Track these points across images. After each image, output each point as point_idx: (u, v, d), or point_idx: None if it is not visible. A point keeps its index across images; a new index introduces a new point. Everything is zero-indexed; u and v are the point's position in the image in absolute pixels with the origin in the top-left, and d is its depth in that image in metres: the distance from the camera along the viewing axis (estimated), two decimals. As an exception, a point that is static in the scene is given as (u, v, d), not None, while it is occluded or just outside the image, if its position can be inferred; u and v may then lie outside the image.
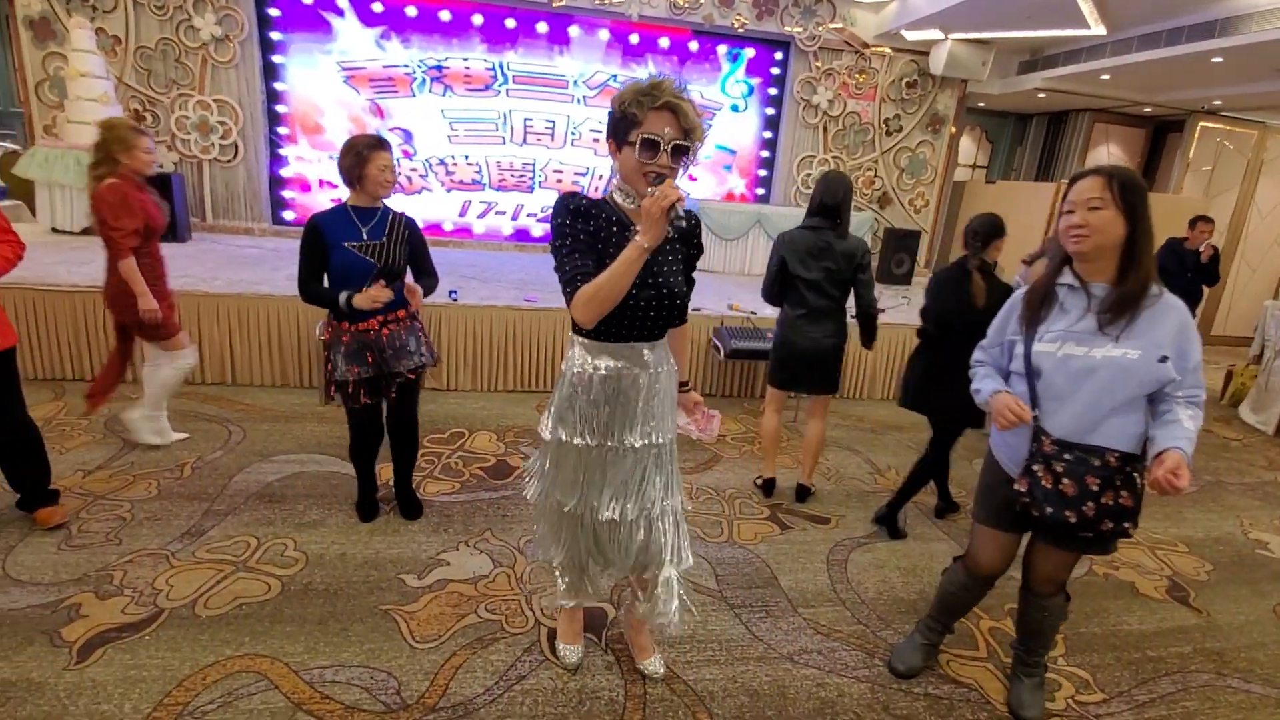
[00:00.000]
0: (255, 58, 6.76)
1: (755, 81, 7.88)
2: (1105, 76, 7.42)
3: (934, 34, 7.20)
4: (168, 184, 5.85)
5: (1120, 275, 1.67)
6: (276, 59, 6.89)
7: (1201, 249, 5.44)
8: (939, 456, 3.06)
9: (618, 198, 1.65)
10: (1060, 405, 1.71)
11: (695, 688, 2.07)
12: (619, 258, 1.48)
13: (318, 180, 7.26)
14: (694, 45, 7.60)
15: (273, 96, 6.97)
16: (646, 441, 1.78)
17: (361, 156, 2.47)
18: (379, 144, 2.51)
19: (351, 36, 6.93)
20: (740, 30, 7.34)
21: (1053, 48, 7.52)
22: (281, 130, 7.08)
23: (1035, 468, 1.73)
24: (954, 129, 8.31)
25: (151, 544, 2.58)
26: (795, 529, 3.11)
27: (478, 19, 7.07)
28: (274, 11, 6.77)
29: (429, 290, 2.73)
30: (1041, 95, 8.25)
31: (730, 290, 5.88)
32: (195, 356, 3.44)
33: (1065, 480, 1.68)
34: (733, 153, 8.02)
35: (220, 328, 4.25)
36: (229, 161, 6.91)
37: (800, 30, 7.44)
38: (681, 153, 1.55)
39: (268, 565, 2.51)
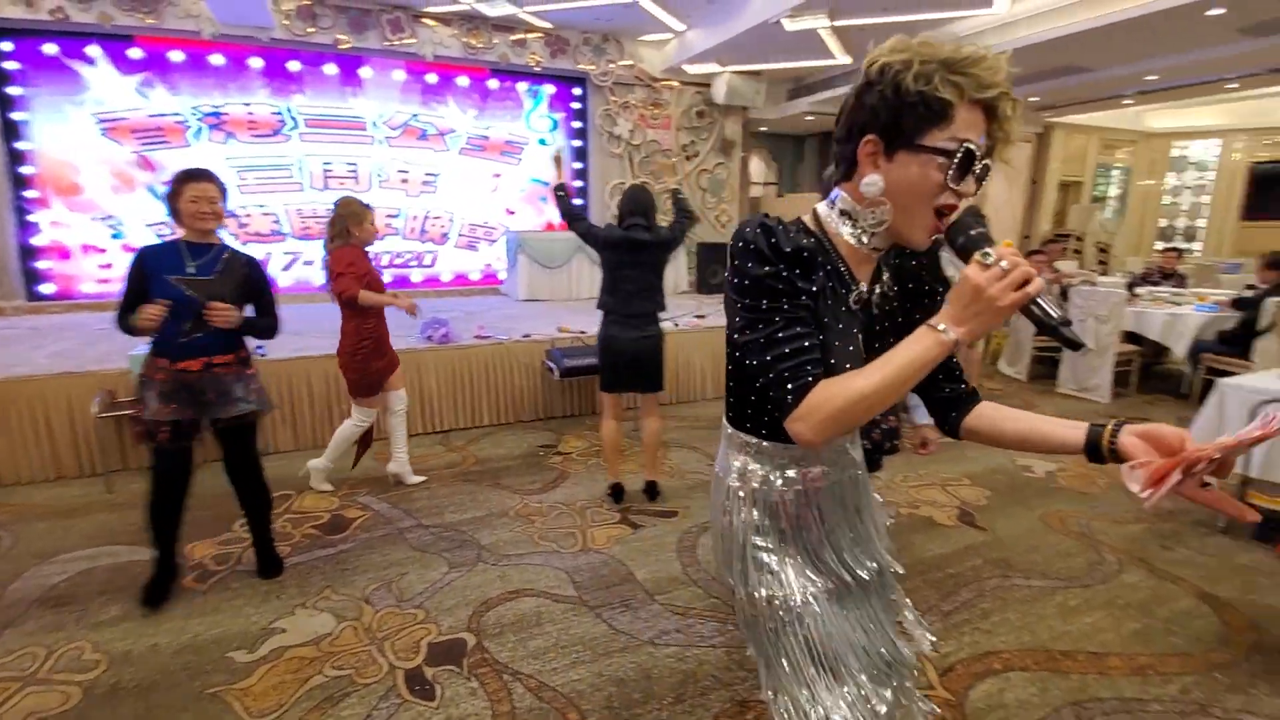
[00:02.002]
0: (-14, 116, 5.84)
1: (558, 116, 8.18)
2: (858, 98, 8.61)
3: (712, 67, 7.94)
4: None
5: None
6: (17, 116, 6.00)
7: None
8: None
9: (845, 232, 1.01)
10: None
11: (563, 691, 2.07)
12: (902, 350, 0.89)
13: (80, 246, 6.36)
14: (494, 83, 7.74)
15: (15, 158, 6.04)
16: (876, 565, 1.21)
17: (175, 190, 2.36)
18: (193, 175, 2.39)
19: (107, 86, 6.23)
20: (537, 68, 7.60)
21: (811, 76, 8.60)
22: (29, 194, 6.14)
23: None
24: (743, 152, 9.19)
25: (-117, 687, 2.09)
26: (646, 526, 3.23)
27: (257, 62, 6.67)
28: (11, 65, 5.92)
29: (264, 331, 2.60)
30: (810, 118, 9.36)
31: (559, 315, 5.99)
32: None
33: (890, 416, 2.03)
34: (546, 184, 8.22)
35: (-40, 423, 3.57)
36: (-44, 233, 5.85)
37: (593, 67, 7.86)
38: (983, 179, 0.94)
39: (62, 674, 2.14)
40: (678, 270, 8.03)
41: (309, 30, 6.51)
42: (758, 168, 10.67)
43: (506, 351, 4.79)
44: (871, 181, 0.93)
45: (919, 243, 0.96)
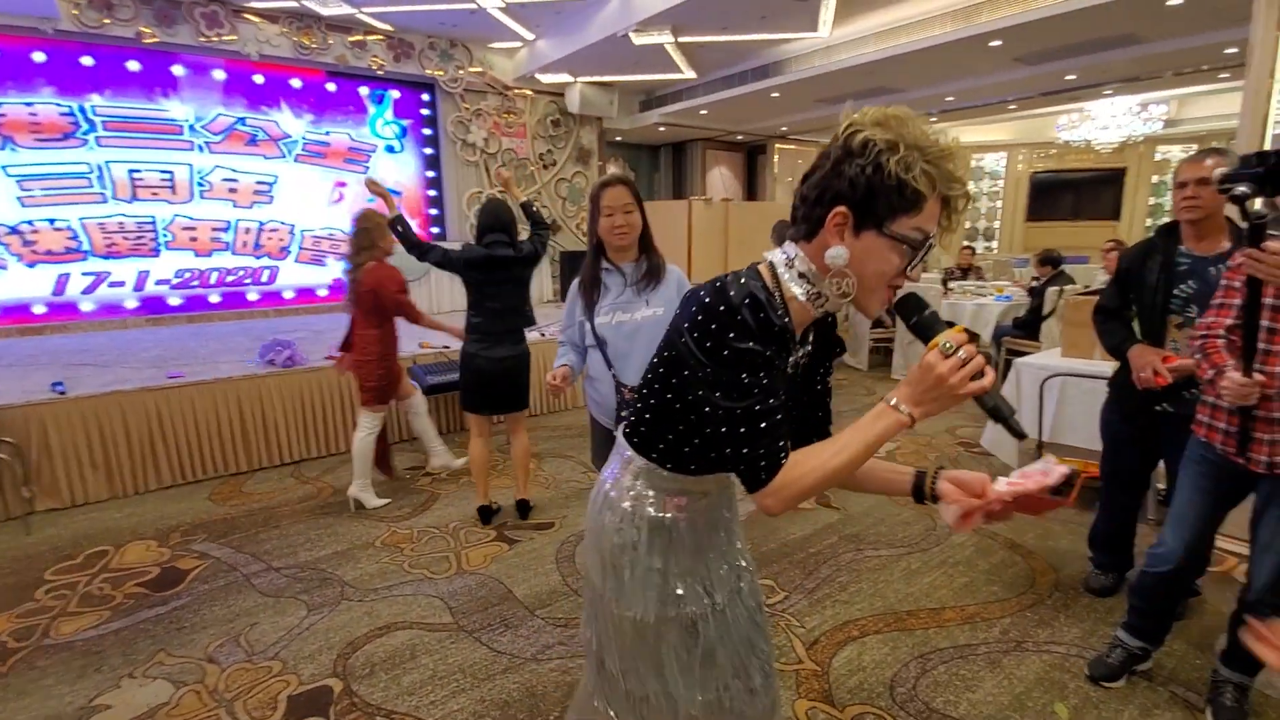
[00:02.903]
0: None
1: (407, 123, 7.83)
2: (704, 112, 9.05)
3: (565, 77, 7.99)
4: None
5: (641, 253, 2.23)
6: None
7: None
8: None
9: (798, 293, 1.01)
10: (627, 360, 2.17)
11: (443, 724, 1.98)
12: (865, 428, 0.96)
13: None
14: (332, 86, 7.27)
15: None
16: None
17: None
18: None
19: None
20: (380, 72, 7.24)
21: (662, 89, 8.92)
22: None
23: (624, 414, 2.14)
24: (600, 160, 9.32)
25: None
26: (523, 541, 3.17)
27: (39, 56, 5.78)
28: None
29: None
30: (662, 129, 9.70)
31: (419, 331, 5.72)
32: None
33: None
34: (398, 194, 7.83)
35: None
36: None
37: (442, 73, 7.62)
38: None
39: None
40: (541, 280, 7.97)
41: (104, 21, 5.74)
42: (614, 176, 10.87)
43: (361, 371, 4.49)
44: (837, 254, 0.94)
45: (872, 314, 1.03)
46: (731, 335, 0.94)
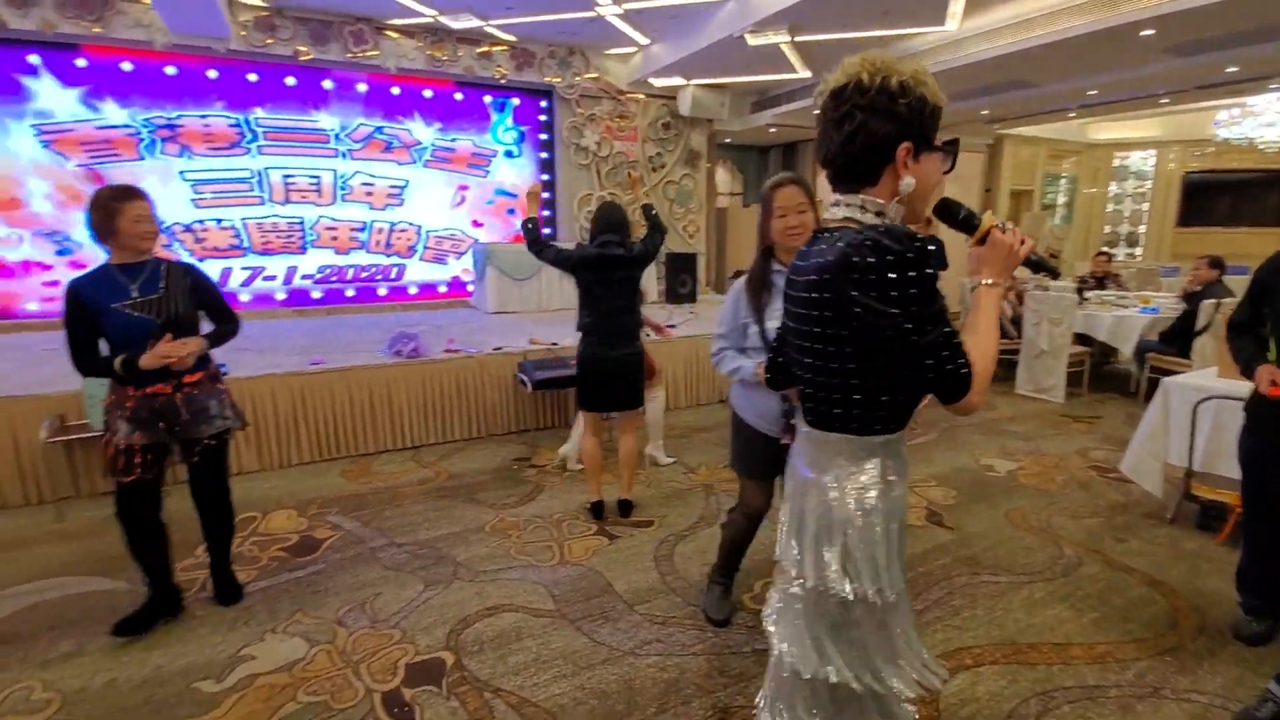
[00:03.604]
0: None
1: (525, 128, 8.17)
2: (818, 111, 8.81)
3: (677, 80, 8.05)
4: None
5: None
6: (-53, 127, 5.75)
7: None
8: None
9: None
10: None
11: (545, 706, 2.06)
12: (985, 310, 1.16)
13: (21, 263, 6.11)
14: (459, 96, 7.71)
15: (-56, 171, 5.78)
16: None
17: (110, 210, 2.24)
18: (128, 193, 2.28)
19: (50, 96, 6.01)
20: (502, 81, 7.60)
21: (775, 89, 8.77)
22: (-38, 210, 5.88)
23: (794, 421, 2.05)
24: (709, 163, 9.31)
25: None
26: (623, 537, 3.23)
27: (213, 74, 6.52)
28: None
29: (228, 336, 2.55)
30: (773, 130, 9.54)
31: (529, 327, 5.97)
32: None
33: None
34: (514, 196, 8.20)
35: (-103, 451, 3.40)
36: (-113, 251, 5.57)
37: (559, 80, 7.89)
38: None
39: (7, 717, 2.04)
40: (647, 281, 8.07)
41: (267, 41, 6.39)
42: (723, 178, 10.82)
43: (477, 365, 4.75)
44: (909, 183, 1.11)
45: (921, 218, 1.20)
46: (912, 274, 1.04)
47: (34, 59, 5.90)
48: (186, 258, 6.62)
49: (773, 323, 2.13)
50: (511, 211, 8.22)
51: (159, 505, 2.49)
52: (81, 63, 6.05)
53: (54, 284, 6.13)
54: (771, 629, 1.33)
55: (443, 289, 8.02)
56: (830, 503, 1.22)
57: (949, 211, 1.18)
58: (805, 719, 1.28)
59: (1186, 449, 3.22)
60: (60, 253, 6.19)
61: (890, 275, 1.03)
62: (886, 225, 1.09)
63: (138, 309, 2.27)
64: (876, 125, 1.07)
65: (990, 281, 1.16)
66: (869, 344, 1.10)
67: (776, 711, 1.33)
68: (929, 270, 1.04)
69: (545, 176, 8.36)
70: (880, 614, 1.22)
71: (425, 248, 7.84)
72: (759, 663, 2.27)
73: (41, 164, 6.04)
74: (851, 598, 1.19)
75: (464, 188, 7.92)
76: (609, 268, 3.18)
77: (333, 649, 2.36)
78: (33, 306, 6.17)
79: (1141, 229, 11.66)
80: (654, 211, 3.44)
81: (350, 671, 2.24)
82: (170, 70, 6.36)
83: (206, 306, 2.50)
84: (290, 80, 6.85)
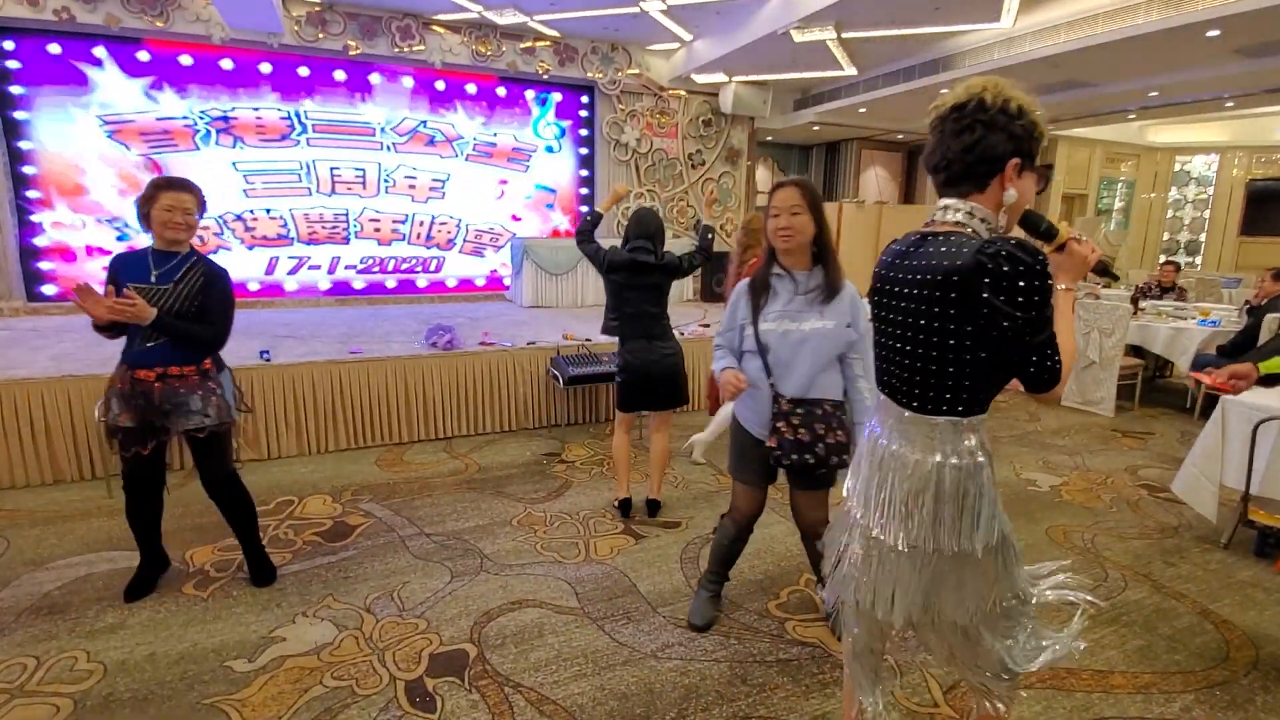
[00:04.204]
0: (-11, 115, 5.87)
1: (566, 124, 8.20)
2: (862, 110, 8.65)
3: (719, 77, 7.98)
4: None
5: (815, 262, 2.14)
6: (19, 115, 6.03)
7: None
8: None
9: (983, 232, 1.30)
10: (787, 370, 2.12)
11: (564, 704, 2.06)
12: (1064, 312, 1.32)
13: (84, 247, 6.39)
14: (502, 90, 7.78)
15: (16, 157, 6.07)
16: None
17: (149, 197, 2.36)
18: (170, 184, 2.38)
19: (114, 88, 6.26)
20: (545, 76, 7.63)
21: (818, 87, 8.64)
22: (31, 194, 6.16)
23: (779, 425, 2.13)
24: (749, 161, 9.21)
25: (-118, 691, 2.09)
26: (649, 537, 3.22)
27: (266, 67, 6.70)
28: (13, 64, 5.95)
29: (194, 335, 2.43)
30: (816, 128, 9.41)
31: (564, 322, 6.00)
32: None
33: (801, 430, 2.10)
34: (553, 191, 8.25)
35: (-36, 424, 3.58)
36: (-38, 234, 5.88)
37: (601, 75, 7.90)
38: None
39: (53, 685, 2.13)
40: (683, 280, 8.04)
41: (319, 36, 6.54)
42: (764, 177, 10.70)
43: (511, 358, 4.79)
44: (1012, 195, 1.27)
45: (1010, 230, 1.35)
46: (1037, 283, 1.18)
47: (99, 51, 6.15)
48: (238, 247, 6.83)
49: (766, 325, 2.14)
50: (550, 206, 8.26)
51: (161, 480, 2.61)
52: (144, 56, 6.28)
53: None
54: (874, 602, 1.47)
55: (480, 282, 8.12)
56: (947, 473, 1.35)
57: (1032, 222, 1.34)
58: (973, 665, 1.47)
59: (1244, 471, 3.05)
60: (120, 238, 6.45)
61: (1020, 283, 1.17)
62: (1016, 240, 1.21)
63: (143, 294, 2.35)
64: (994, 139, 1.24)
65: (1065, 286, 1.33)
66: (987, 339, 1.24)
67: (972, 670, 1.49)
68: (1050, 281, 1.19)
69: (584, 172, 8.38)
70: (1011, 552, 1.41)
71: (465, 240, 7.94)
72: (782, 672, 2.23)
73: (105, 153, 6.29)
74: (981, 552, 1.36)
75: (504, 182, 7.99)
76: (639, 273, 3.17)
77: (360, 635, 2.41)
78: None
79: (1202, 237, 11.15)
80: (711, 237, 3.42)
81: (375, 659, 2.27)
82: (226, 64, 6.56)
83: (204, 308, 2.46)
84: (339, 74, 7.00)
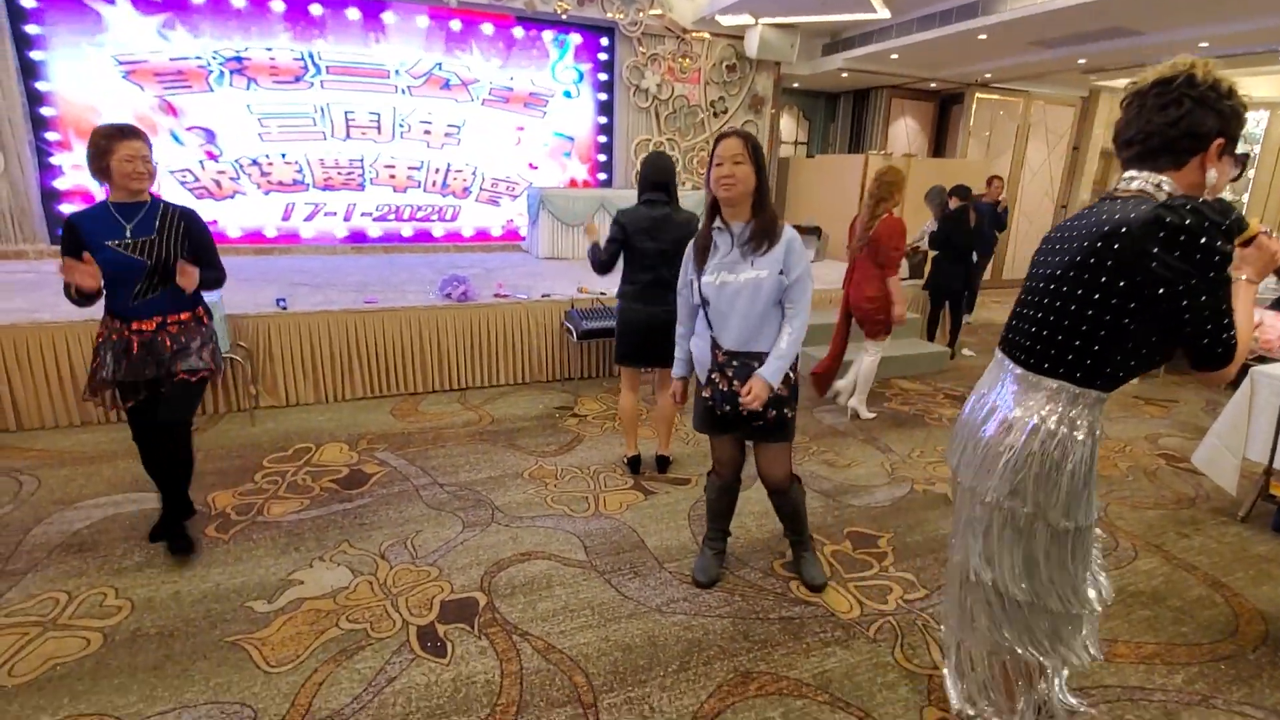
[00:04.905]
0: (10, 55, 5.80)
1: (585, 67, 7.95)
2: (894, 56, 8.27)
3: (745, 19, 7.63)
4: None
5: (754, 213, 2.14)
6: (36, 55, 5.96)
7: (1001, 199, 6.60)
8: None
9: None
10: (725, 322, 2.16)
11: (570, 654, 2.12)
12: (1244, 299, 1.28)
13: (104, 189, 6.39)
14: (519, 32, 7.52)
15: (34, 98, 6.03)
16: None
17: (101, 148, 2.27)
18: (122, 132, 2.29)
19: (127, 26, 6.14)
20: (564, 17, 7.36)
21: (849, 31, 8.25)
22: (51, 136, 6.15)
23: (714, 375, 2.18)
24: (774, 109, 8.90)
25: (-76, 620, 2.20)
26: (659, 494, 3.25)
27: (278, 5, 6.53)
28: (28, 2, 5.85)
29: (211, 284, 2.51)
30: (845, 75, 9.03)
31: (579, 274, 5.94)
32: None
33: (736, 381, 2.14)
34: (571, 139, 8.06)
35: (-8, 366, 3.66)
36: (-17, 175, 5.90)
37: (622, 16, 7.60)
38: None
39: (83, 619, 2.23)
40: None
41: (330, -28, 6.33)
42: (788, 126, 10.36)
43: (525, 311, 4.78)
44: (1214, 175, 1.26)
45: None
46: (1219, 242, 1.15)
47: (111, -13, 6.01)
48: (253, 193, 6.80)
49: (706, 278, 2.17)
50: (567, 155, 8.09)
51: (158, 430, 2.60)
52: (155, -9, 6.13)
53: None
54: (958, 542, 1.58)
55: (496, 232, 8.04)
56: (1040, 437, 1.36)
57: (1222, 211, 1.29)
58: (986, 623, 1.54)
59: (1269, 443, 2.99)
60: (137, 181, 6.43)
61: (1203, 239, 1.14)
62: (1205, 199, 1.19)
63: (130, 249, 2.32)
64: (1202, 115, 1.22)
65: (1248, 278, 1.30)
66: (1132, 306, 1.22)
67: (966, 615, 1.58)
68: (1233, 245, 1.17)
69: (603, 119, 8.16)
70: (1084, 537, 1.42)
71: (480, 189, 7.83)
72: (784, 630, 2.26)
73: (121, 94, 6.23)
74: (1068, 528, 1.39)
75: (521, 129, 7.82)
76: (656, 229, 3.09)
77: (374, 580, 2.48)
78: (113, 233, 6.47)
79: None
80: None
81: (389, 604, 2.34)
82: (238, 2, 6.40)
83: (197, 252, 2.47)
84: (353, 13, 6.80)
